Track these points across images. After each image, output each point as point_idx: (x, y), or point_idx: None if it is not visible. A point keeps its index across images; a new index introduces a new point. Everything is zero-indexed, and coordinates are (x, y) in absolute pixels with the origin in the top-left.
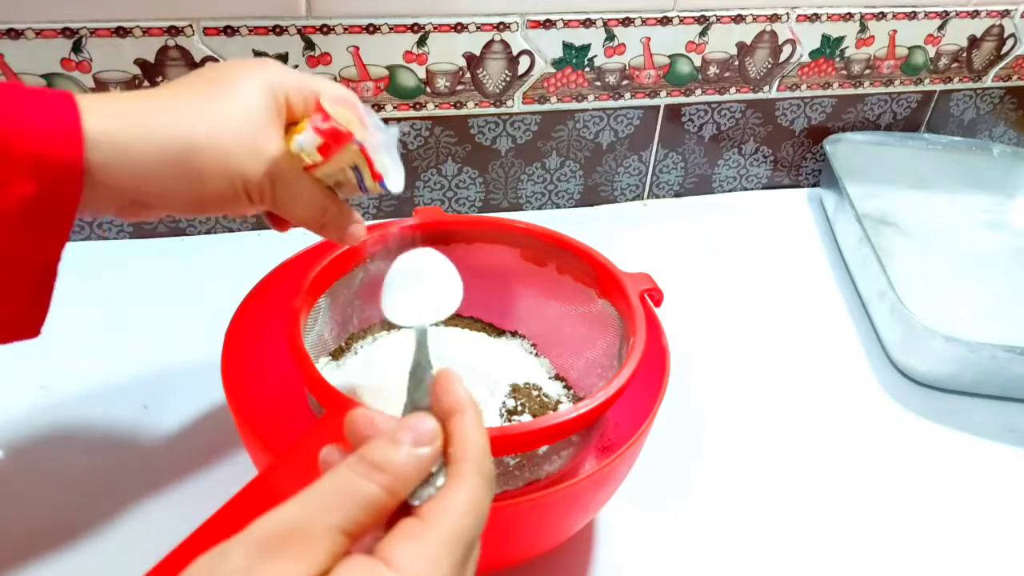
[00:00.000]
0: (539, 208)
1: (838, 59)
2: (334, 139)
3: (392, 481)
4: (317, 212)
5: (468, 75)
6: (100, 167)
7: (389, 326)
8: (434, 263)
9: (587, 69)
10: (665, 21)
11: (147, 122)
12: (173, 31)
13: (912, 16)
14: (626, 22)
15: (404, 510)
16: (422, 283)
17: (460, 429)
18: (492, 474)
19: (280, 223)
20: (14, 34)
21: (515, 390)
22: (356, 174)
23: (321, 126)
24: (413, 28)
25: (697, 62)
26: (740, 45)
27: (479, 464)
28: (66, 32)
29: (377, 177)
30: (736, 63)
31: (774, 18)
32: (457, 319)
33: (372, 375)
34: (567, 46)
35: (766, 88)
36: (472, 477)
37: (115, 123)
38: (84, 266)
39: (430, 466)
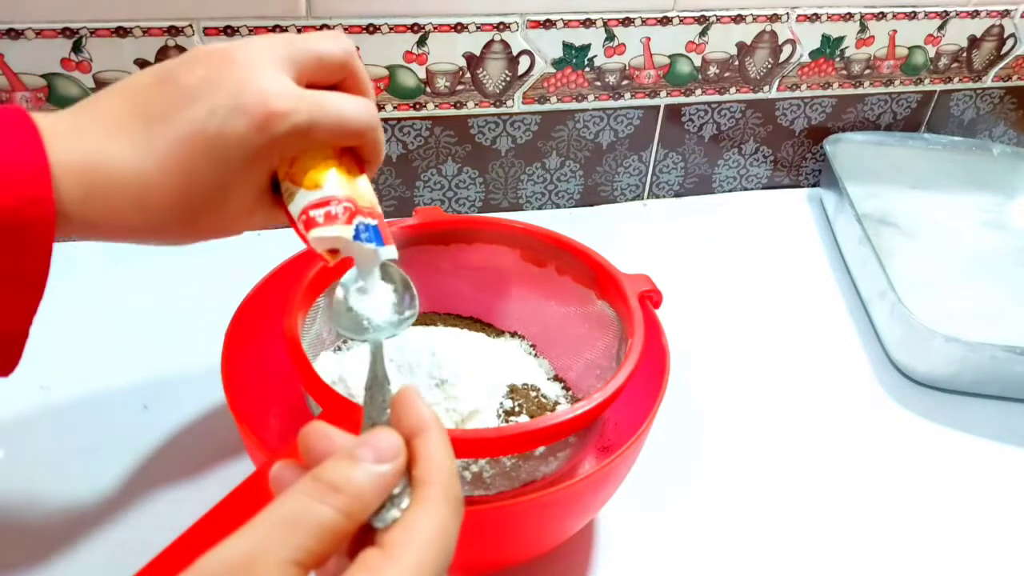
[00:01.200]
0: (539, 208)
1: (838, 59)
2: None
3: (350, 503)
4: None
5: (468, 75)
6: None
7: None
8: (386, 273)
9: (587, 69)
10: (665, 21)
11: (101, 149)
12: (173, 31)
13: (912, 16)
14: (626, 22)
15: (367, 534)
16: (375, 294)
17: (425, 449)
18: (460, 498)
19: None
20: (14, 34)
21: (513, 391)
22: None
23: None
24: (413, 28)
25: (697, 62)
26: (740, 45)
27: (446, 488)
28: (66, 32)
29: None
30: (736, 63)
31: (774, 18)
32: (457, 319)
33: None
34: (567, 46)
35: (766, 88)
36: (439, 503)
37: (77, 160)
38: (84, 266)
39: (392, 485)
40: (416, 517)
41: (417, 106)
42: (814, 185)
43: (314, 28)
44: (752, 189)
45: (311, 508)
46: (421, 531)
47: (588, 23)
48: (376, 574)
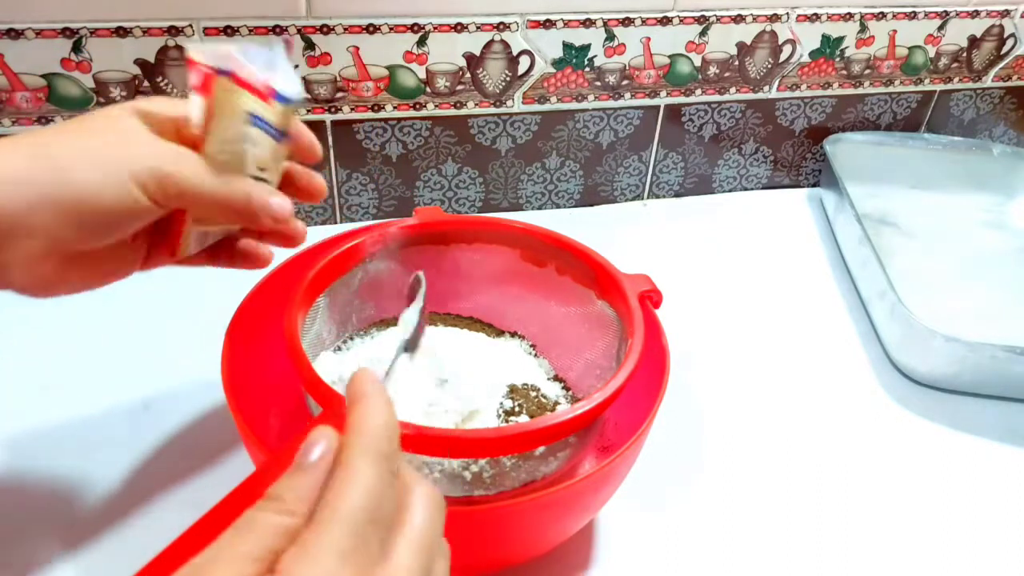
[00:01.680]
0: (539, 208)
1: (838, 59)
2: (205, 82)
3: (291, 501)
4: (239, 194)
5: (468, 75)
6: None
7: (387, 324)
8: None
9: (587, 69)
10: (665, 21)
11: (5, 143)
12: (173, 31)
13: (912, 16)
14: (626, 22)
15: None
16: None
17: (354, 417)
18: (387, 453)
19: (170, 247)
20: (14, 34)
21: (513, 391)
22: (260, 124)
23: (194, 80)
24: (413, 28)
25: (697, 62)
26: (740, 45)
27: (366, 446)
28: (66, 32)
29: (265, 96)
30: (736, 63)
31: (774, 18)
32: (457, 319)
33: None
34: (567, 46)
35: (766, 88)
36: (353, 458)
37: None
38: None
39: (326, 470)
40: (333, 480)
41: (417, 106)
42: (814, 185)
43: (314, 28)
44: (752, 189)
45: (257, 516)
46: (334, 488)
47: (588, 23)
48: (300, 546)
